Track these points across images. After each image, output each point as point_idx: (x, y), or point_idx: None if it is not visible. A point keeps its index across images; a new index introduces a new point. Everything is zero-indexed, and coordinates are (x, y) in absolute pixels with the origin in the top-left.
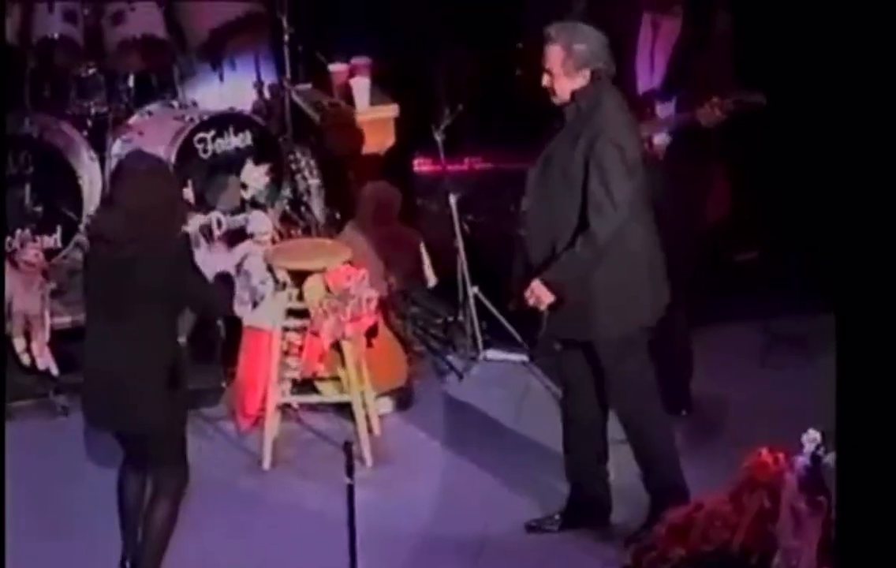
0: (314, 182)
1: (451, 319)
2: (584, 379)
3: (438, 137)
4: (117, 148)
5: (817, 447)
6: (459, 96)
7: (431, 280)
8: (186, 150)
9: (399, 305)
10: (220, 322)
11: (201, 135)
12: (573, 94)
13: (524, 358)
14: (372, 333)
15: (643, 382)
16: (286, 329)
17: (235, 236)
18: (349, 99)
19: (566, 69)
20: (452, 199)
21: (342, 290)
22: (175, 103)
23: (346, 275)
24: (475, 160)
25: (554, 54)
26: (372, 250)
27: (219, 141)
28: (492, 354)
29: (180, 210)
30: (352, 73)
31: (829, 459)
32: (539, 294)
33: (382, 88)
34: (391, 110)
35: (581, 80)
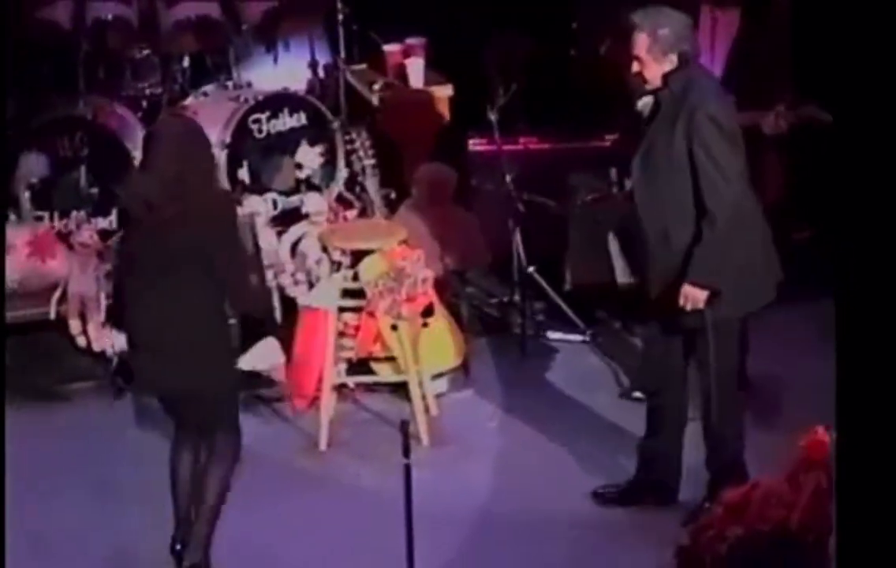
0: (369, 162)
1: (506, 299)
2: (682, 368)
3: (493, 117)
4: None
5: None
6: (513, 77)
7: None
8: (241, 131)
9: (455, 285)
10: (276, 303)
11: (256, 116)
12: (664, 78)
13: (581, 338)
14: (428, 313)
15: (735, 361)
16: (342, 309)
17: (291, 217)
18: (404, 79)
19: (654, 54)
20: (508, 179)
21: (398, 270)
22: (230, 84)
23: (401, 255)
24: (529, 140)
25: (640, 41)
26: (427, 230)
27: (273, 121)
28: (548, 334)
29: (215, 170)
30: (406, 54)
31: None
32: (694, 296)
33: (437, 69)
34: (446, 90)
35: (669, 64)
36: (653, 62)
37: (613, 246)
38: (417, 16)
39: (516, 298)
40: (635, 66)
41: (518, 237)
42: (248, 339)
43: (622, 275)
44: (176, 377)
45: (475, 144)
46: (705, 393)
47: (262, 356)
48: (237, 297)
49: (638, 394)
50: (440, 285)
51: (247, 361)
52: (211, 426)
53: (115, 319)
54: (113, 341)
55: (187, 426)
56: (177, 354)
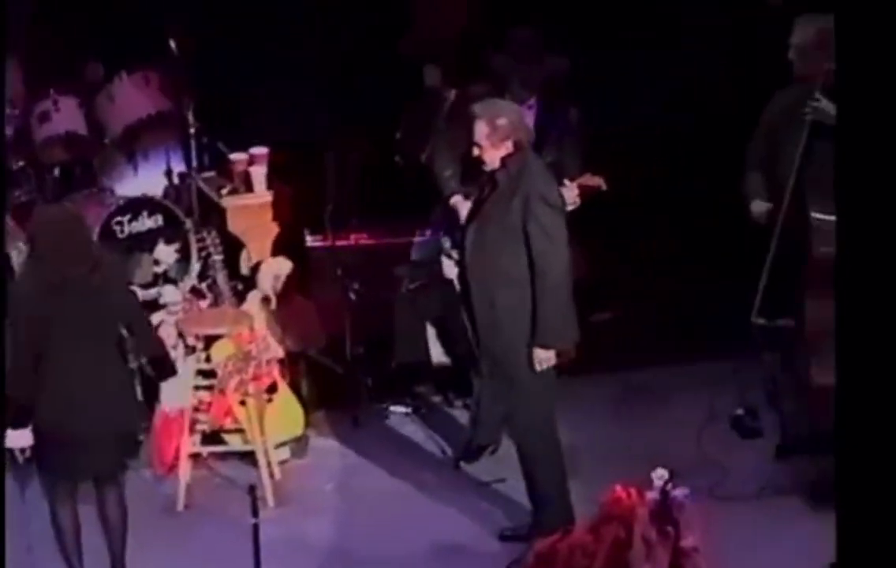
0: (218, 258)
1: (340, 373)
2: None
3: (327, 217)
4: None
5: (665, 483)
6: (347, 179)
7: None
8: (106, 232)
9: (295, 364)
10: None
11: (119, 218)
12: (503, 161)
13: (405, 409)
14: (272, 389)
15: (552, 411)
16: (196, 387)
17: (150, 307)
18: (249, 184)
19: (492, 141)
20: (340, 271)
21: (245, 352)
22: (95, 191)
23: (248, 339)
24: (360, 236)
25: (480, 129)
26: (270, 317)
27: (134, 223)
28: (377, 406)
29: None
30: (251, 162)
31: (677, 493)
32: (543, 358)
33: (278, 174)
34: (286, 193)
35: (505, 149)
36: (491, 148)
37: (431, 331)
38: (261, 127)
39: (349, 373)
40: (476, 151)
41: (350, 322)
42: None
43: (437, 355)
44: (94, 424)
45: (312, 240)
46: (522, 442)
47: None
48: (145, 344)
49: (463, 462)
50: (283, 365)
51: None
52: (112, 470)
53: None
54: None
55: (82, 476)
56: (96, 402)
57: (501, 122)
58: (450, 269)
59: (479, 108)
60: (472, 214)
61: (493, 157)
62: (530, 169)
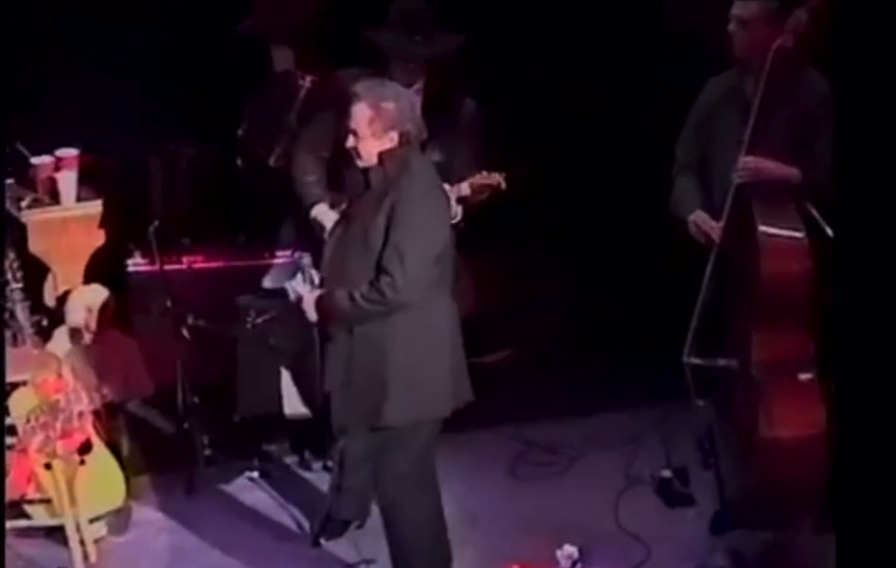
0: (17, 286)
1: (171, 430)
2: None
3: (153, 235)
4: None
5: (574, 563)
6: (177, 188)
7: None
8: None
9: (114, 418)
10: None
11: None
12: (380, 157)
13: (251, 472)
14: (85, 449)
15: (418, 475)
16: None
17: None
18: (55, 195)
19: (374, 130)
20: (169, 302)
21: (51, 404)
22: None
23: (55, 387)
24: (194, 258)
25: (360, 113)
26: (83, 359)
27: None
28: (216, 468)
29: None
30: (57, 167)
31: None
32: (306, 306)
33: (91, 183)
34: (99, 206)
35: (388, 141)
36: (371, 138)
37: (285, 376)
38: (70, 125)
39: (184, 427)
40: (350, 140)
41: (182, 365)
42: None
43: (292, 406)
44: None
45: (134, 265)
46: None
47: None
48: None
49: (324, 539)
50: (98, 419)
51: None
52: None
53: None
54: None
55: None
56: None
57: (388, 106)
58: (302, 294)
59: (360, 87)
60: (336, 225)
61: (370, 150)
62: (411, 170)
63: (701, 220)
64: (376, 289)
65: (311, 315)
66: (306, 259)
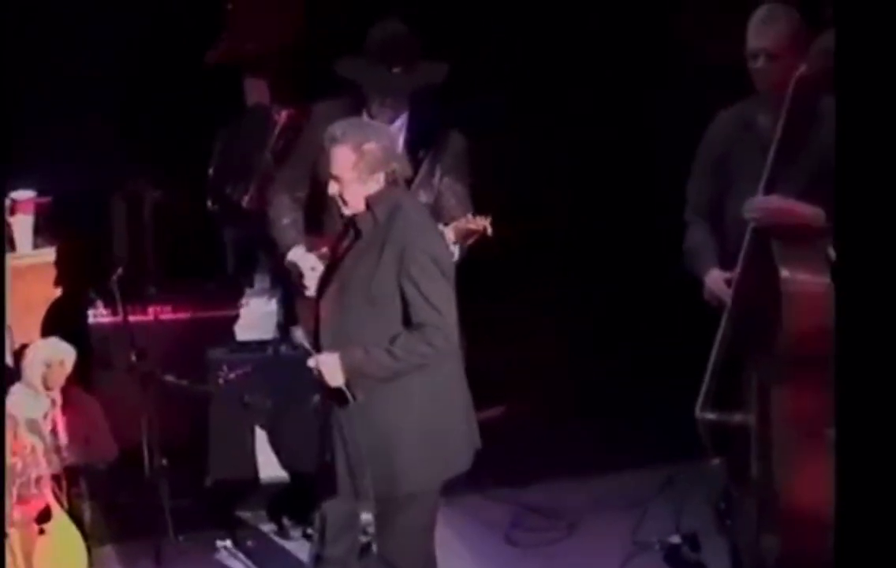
0: None
1: (137, 496)
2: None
3: (115, 284)
4: None
5: None
6: (142, 234)
7: None
8: None
9: (76, 483)
10: None
11: None
12: (367, 202)
13: (225, 542)
14: (44, 517)
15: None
16: None
17: None
18: (10, 241)
19: (359, 173)
20: (134, 356)
21: (7, 467)
22: None
23: (11, 449)
24: (161, 309)
25: (342, 157)
26: (42, 419)
27: None
28: (186, 537)
29: None
30: (12, 211)
31: None
32: (326, 368)
33: (48, 228)
34: (60, 253)
35: (374, 184)
36: (356, 182)
37: (260, 436)
38: (26, 165)
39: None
40: (333, 187)
41: (149, 424)
42: None
43: (269, 470)
44: None
45: (95, 315)
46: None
47: None
48: None
49: None
50: (58, 484)
51: None
52: None
53: None
54: None
55: None
56: None
57: (370, 147)
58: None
59: (338, 130)
60: (326, 279)
61: (356, 195)
62: (405, 212)
63: (715, 285)
64: (424, 340)
65: (336, 379)
66: (298, 333)
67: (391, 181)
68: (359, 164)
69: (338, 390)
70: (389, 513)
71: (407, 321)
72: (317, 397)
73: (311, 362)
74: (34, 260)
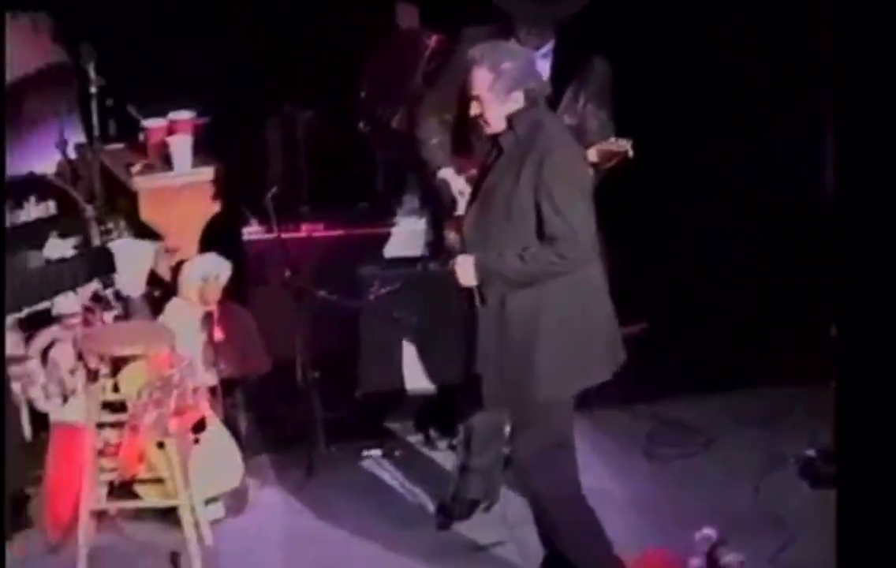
0: None
1: (290, 407)
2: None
3: (270, 202)
4: None
5: (713, 546)
6: (295, 154)
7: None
8: None
9: (231, 394)
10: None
11: None
12: (509, 120)
13: (374, 451)
14: (199, 427)
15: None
16: (101, 425)
17: (40, 320)
18: (168, 160)
19: (496, 93)
20: (288, 272)
21: (164, 379)
22: None
23: (168, 362)
24: (314, 227)
25: (480, 77)
26: (198, 333)
27: (17, 211)
28: (337, 448)
29: None
30: (170, 131)
31: (729, 559)
32: (460, 268)
33: (206, 148)
34: (216, 172)
35: (513, 103)
36: (495, 101)
37: (408, 350)
38: (183, 87)
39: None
40: (475, 108)
41: (301, 338)
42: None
43: (416, 382)
44: None
45: (250, 233)
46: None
47: None
48: None
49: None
50: (214, 396)
51: None
52: None
53: None
54: None
55: None
56: None
57: (507, 67)
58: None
59: (477, 52)
60: (472, 195)
61: (497, 114)
62: (545, 129)
63: None
64: (554, 251)
65: (469, 279)
66: (450, 236)
67: (531, 100)
68: (495, 84)
69: (470, 292)
70: (525, 421)
71: (541, 234)
72: None
73: (451, 263)
74: (192, 179)
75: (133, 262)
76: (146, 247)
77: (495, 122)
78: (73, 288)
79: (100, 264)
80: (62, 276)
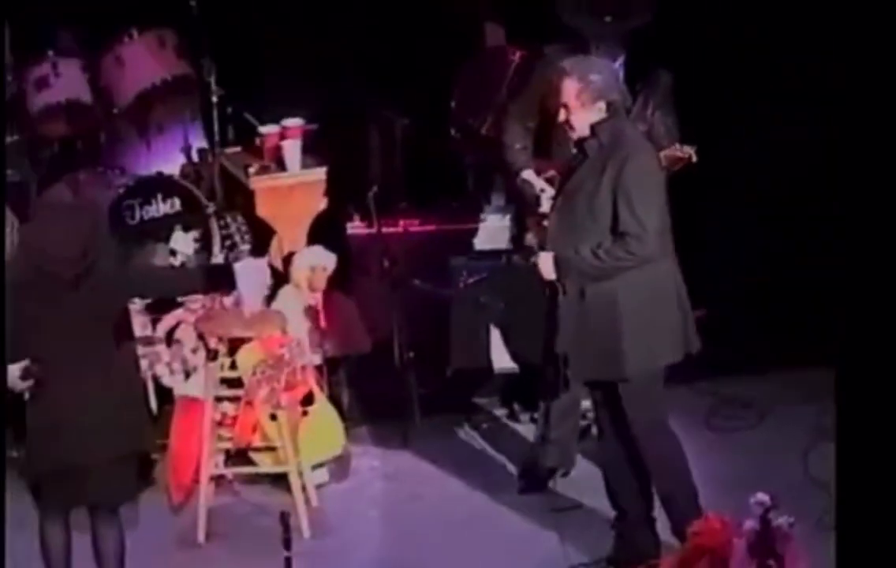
0: (245, 248)
1: (388, 383)
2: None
3: (371, 200)
4: None
5: (766, 510)
6: (393, 157)
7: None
8: (114, 218)
9: (335, 371)
10: (151, 394)
11: (129, 202)
12: (592, 128)
13: (465, 424)
14: (307, 401)
15: (661, 414)
16: (219, 399)
17: (166, 304)
18: (280, 162)
19: (582, 101)
20: (386, 263)
21: (276, 358)
22: (101, 170)
23: (279, 342)
24: (410, 222)
25: (569, 87)
26: (306, 317)
27: (146, 208)
28: (430, 420)
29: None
30: (282, 136)
31: (780, 522)
32: (542, 263)
33: (314, 151)
34: (323, 173)
35: (597, 112)
36: (581, 109)
37: (494, 332)
38: (294, 98)
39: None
40: (562, 114)
41: (398, 322)
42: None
43: (501, 361)
44: (91, 445)
45: (353, 228)
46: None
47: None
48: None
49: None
50: (320, 373)
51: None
52: (112, 498)
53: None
54: None
55: (75, 502)
56: (94, 420)
57: (594, 78)
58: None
59: (568, 64)
60: (556, 196)
61: (582, 121)
62: (626, 136)
63: None
64: (623, 248)
65: (549, 273)
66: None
67: (613, 110)
68: (583, 94)
69: (552, 283)
70: (612, 397)
71: (614, 230)
72: None
73: (533, 259)
74: (301, 178)
75: (252, 281)
76: (264, 267)
77: (580, 127)
78: (191, 294)
79: (221, 281)
80: (184, 282)
